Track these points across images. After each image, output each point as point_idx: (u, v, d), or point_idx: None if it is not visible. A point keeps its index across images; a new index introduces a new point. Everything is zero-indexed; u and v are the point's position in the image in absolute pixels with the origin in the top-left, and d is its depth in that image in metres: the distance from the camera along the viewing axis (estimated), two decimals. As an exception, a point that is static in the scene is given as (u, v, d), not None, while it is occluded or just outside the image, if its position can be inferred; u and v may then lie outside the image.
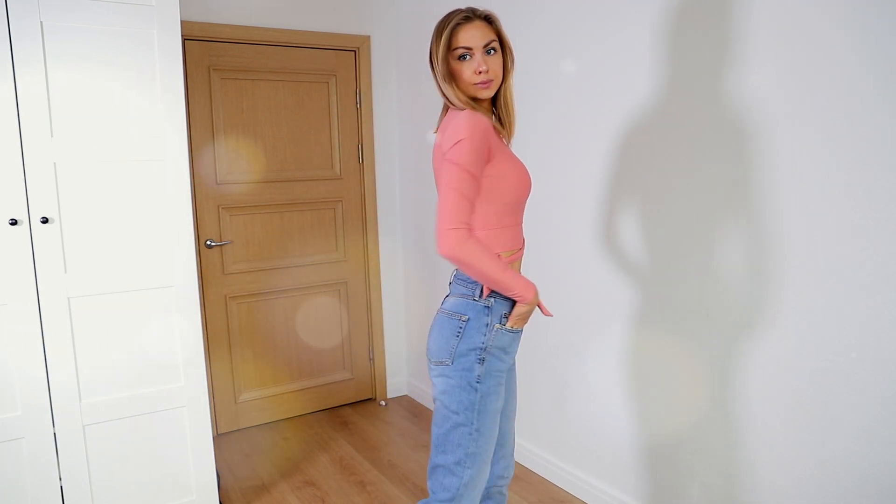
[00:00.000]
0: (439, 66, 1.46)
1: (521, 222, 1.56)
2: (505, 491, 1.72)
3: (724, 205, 1.85)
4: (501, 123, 1.55)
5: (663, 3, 1.96)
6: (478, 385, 1.46)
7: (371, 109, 3.41)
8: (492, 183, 1.45)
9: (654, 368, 2.14)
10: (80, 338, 2.07)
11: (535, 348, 2.63)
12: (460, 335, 1.47)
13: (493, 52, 1.46)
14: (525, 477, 2.69)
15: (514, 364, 1.65)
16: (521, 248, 1.57)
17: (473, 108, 1.45)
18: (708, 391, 1.97)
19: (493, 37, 1.46)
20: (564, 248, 2.43)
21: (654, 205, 2.07)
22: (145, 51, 2.07)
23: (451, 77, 1.47)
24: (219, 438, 3.15)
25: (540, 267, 2.55)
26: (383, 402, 3.57)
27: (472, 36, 1.44)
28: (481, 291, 1.48)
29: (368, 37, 3.35)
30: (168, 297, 2.18)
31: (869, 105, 1.50)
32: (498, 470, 1.67)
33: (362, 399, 3.60)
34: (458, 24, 1.45)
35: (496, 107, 1.55)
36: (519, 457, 2.80)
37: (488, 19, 1.47)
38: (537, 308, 1.57)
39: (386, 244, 3.54)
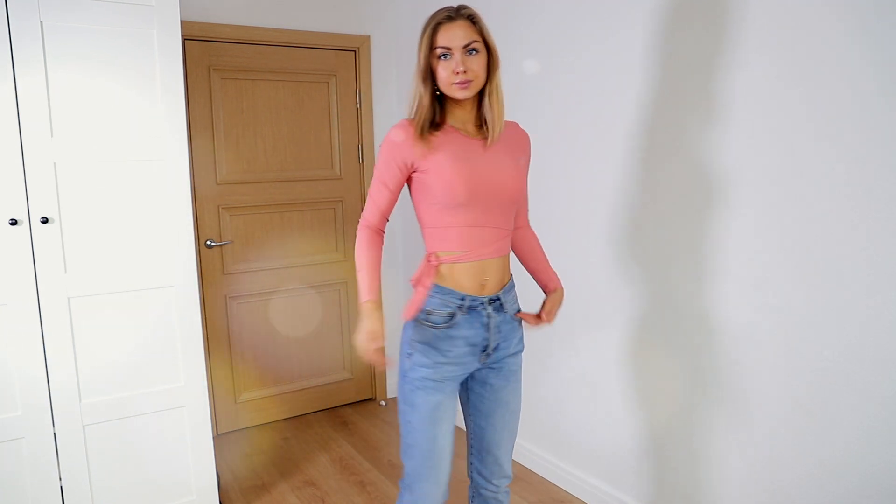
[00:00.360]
0: (420, 63, 1.47)
1: (478, 225, 1.50)
2: (502, 498, 1.69)
3: (724, 204, 1.85)
4: (485, 124, 1.52)
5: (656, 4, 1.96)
6: (406, 377, 1.53)
7: (371, 109, 3.41)
8: (419, 185, 1.51)
9: (654, 368, 2.14)
10: (80, 338, 2.07)
11: (536, 349, 2.63)
12: (405, 328, 1.57)
13: (474, 52, 1.45)
14: (525, 477, 2.69)
15: (505, 374, 1.60)
16: (471, 252, 1.50)
17: (410, 121, 1.49)
18: (708, 392, 1.97)
19: (476, 37, 1.45)
20: (564, 248, 2.42)
21: (655, 204, 2.07)
22: (145, 51, 2.07)
23: (431, 75, 1.47)
24: (219, 438, 3.15)
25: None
26: (383, 402, 3.57)
27: (453, 35, 1.43)
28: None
29: (368, 37, 3.35)
30: (168, 297, 2.18)
31: (869, 101, 1.50)
32: (485, 473, 1.66)
33: (362, 399, 3.60)
34: (439, 24, 1.45)
35: (481, 107, 1.52)
36: (519, 457, 2.80)
37: (472, 19, 1.46)
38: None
39: (386, 244, 3.53)
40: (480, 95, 1.51)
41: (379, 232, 1.57)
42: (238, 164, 3.10)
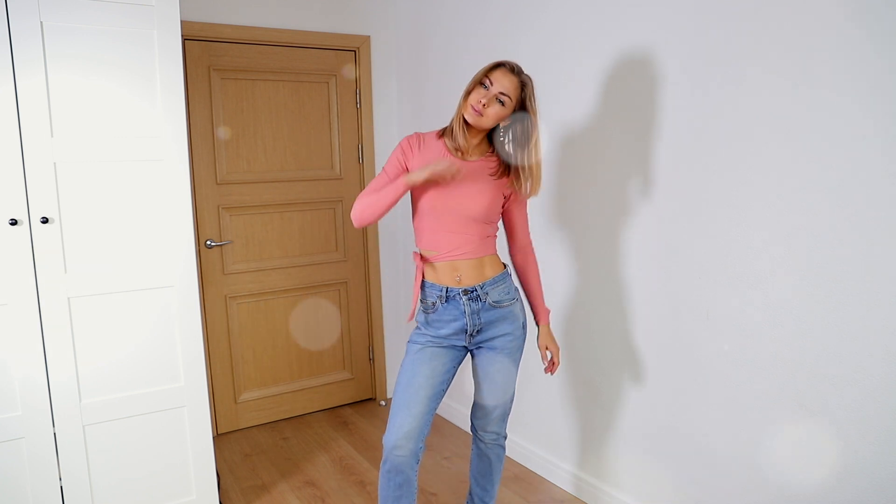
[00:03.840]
0: (468, 87, 1.75)
1: (445, 231, 1.80)
2: (493, 450, 2.01)
3: (724, 205, 1.86)
4: (517, 176, 1.80)
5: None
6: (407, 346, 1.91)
7: (371, 109, 3.41)
8: (411, 193, 1.85)
9: (654, 368, 2.14)
10: (80, 338, 2.07)
11: (536, 351, 2.63)
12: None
13: (502, 103, 1.71)
14: (525, 477, 2.69)
15: (491, 350, 1.88)
16: (441, 253, 1.81)
17: (441, 134, 1.86)
18: (708, 392, 1.97)
19: (513, 95, 1.71)
20: (563, 245, 2.42)
21: (655, 203, 2.07)
22: (145, 51, 2.07)
23: (467, 93, 1.74)
24: (219, 438, 3.15)
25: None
26: (383, 402, 3.57)
27: (499, 79, 1.70)
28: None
29: (368, 37, 3.35)
30: (168, 297, 2.18)
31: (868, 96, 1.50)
32: (479, 424, 1.99)
33: (362, 399, 3.60)
34: (498, 66, 1.72)
35: (493, 145, 1.84)
36: (519, 457, 2.80)
37: (522, 83, 1.72)
38: None
39: (386, 244, 3.54)
40: (489, 136, 1.83)
41: None
42: (238, 164, 3.10)
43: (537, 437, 2.71)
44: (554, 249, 2.49)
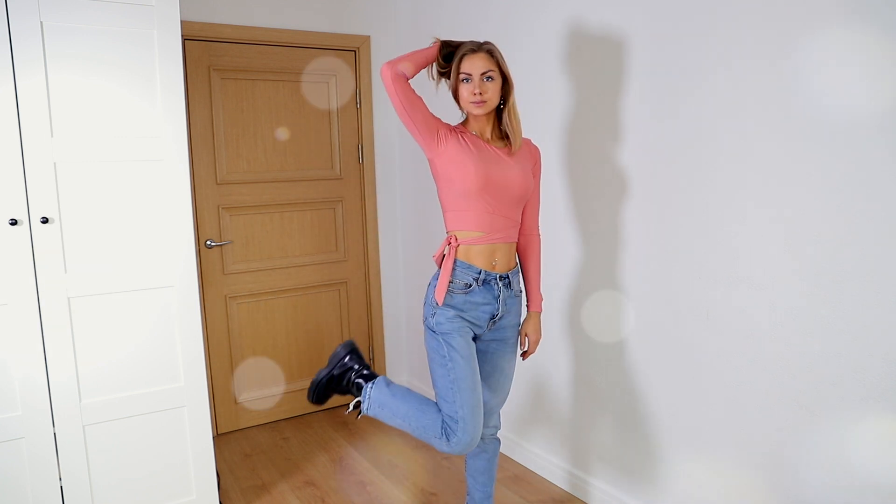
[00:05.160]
0: (452, 85, 1.82)
1: (490, 213, 1.80)
2: (491, 442, 2.05)
3: (724, 205, 1.86)
4: (506, 136, 1.87)
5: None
6: (435, 332, 1.84)
7: (371, 109, 3.41)
8: (443, 174, 1.82)
9: (654, 368, 2.14)
10: (80, 338, 2.07)
11: (536, 352, 2.63)
12: (427, 298, 1.89)
13: (490, 79, 1.77)
14: (525, 477, 2.69)
15: (504, 342, 1.94)
16: (485, 235, 1.81)
17: (465, 119, 1.89)
18: (708, 392, 1.97)
19: (493, 67, 1.77)
20: (560, 245, 2.42)
21: (656, 204, 2.07)
22: (145, 51, 2.07)
23: (457, 94, 1.81)
24: (219, 438, 3.15)
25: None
26: (383, 402, 3.57)
27: (473, 65, 1.77)
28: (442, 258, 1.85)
29: (368, 37, 3.35)
30: (168, 297, 2.18)
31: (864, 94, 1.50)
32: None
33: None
34: (464, 55, 1.78)
35: (499, 123, 1.87)
36: (519, 457, 2.80)
37: (490, 53, 1.78)
38: None
39: (386, 244, 3.54)
40: (499, 114, 1.86)
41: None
42: (238, 164, 3.10)
43: (537, 437, 2.71)
44: (554, 249, 2.49)
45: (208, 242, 3.05)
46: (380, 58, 3.39)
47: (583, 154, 2.33)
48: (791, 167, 1.67)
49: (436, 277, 1.86)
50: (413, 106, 1.77)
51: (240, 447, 3.05)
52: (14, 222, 1.93)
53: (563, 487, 2.58)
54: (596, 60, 2.23)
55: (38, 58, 1.93)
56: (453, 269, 1.82)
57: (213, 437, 3.13)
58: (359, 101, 3.37)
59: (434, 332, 1.84)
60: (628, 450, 2.27)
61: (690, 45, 1.89)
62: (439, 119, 1.85)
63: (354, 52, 3.33)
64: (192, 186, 2.96)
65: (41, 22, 1.92)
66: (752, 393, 1.83)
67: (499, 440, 2.07)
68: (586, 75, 2.27)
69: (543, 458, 2.67)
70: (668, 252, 2.04)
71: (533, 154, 1.96)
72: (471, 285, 1.82)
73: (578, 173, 2.36)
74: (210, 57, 2.97)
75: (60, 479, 2.07)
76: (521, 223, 1.97)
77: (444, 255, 1.84)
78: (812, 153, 1.62)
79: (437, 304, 1.82)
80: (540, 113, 2.48)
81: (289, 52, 3.15)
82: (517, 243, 1.98)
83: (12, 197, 1.93)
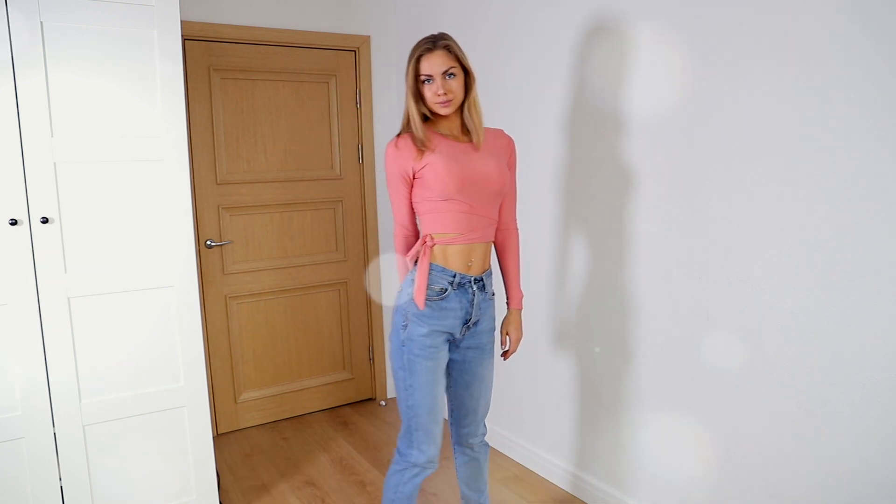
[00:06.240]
0: (410, 87, 1.73)
1: (467, 212, 1.74)
2: (481, 449, 1.98)
3: (724, 205, 1.85)
4: (469, 130, 1.79)
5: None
6: (404, 346, 1.76)
7: (371, 109, 3.41)
8: (419, 183, 1.76)
9: (654, 368, 2.14)
10: (80, 338, 2.07)
11: (536, 352, 2.63)
12: (397, 304, 1.81)
13: (452, 76, 1.71)
14: (525, 477, 2.69)
15: (481, 349, 1.86)
16: (462, 235, 1.75)
17: (406, 131, 1.77)
18: (708, 392, 1.97)
19: (453, 63, 1.70)
20: (560, 245, 2.42)
21: (657, 204, 2.07)
22: (145, 51, 2.07)
23: (419, 96, 1.73)
24: (219, 438, 3.15)
25: (527, 262, 2.55)
26: (383, 402, 3.57)
27: (432, 64, 1.69)
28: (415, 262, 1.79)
29: (368, 37, 3.35)
30: (168, 297, 2.18)
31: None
32: (468, 431, 1.94)
33: (362, 399, 3.60)
34: (421, 55, 1.70)
35: (464, 117, 1.79)
36: (519, 456, 2.80)
37: (448, 48, 1.70)
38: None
39: (386, 244, 3.54)
40: (462, 108, 1.77)
41: (412, 232, 1.86)
42: (238, 164, 3.10)
43: (537, 437, 2.71)
44: (553, 249, 2.49)
45: (208, 242, 3.05)
46: (380, 58, 3.39)
47: (583, 154, 2.33)
48: (791, 167, 1.67)
49: (409, 283, 1.78)
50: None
51: (240, 447, 3.05)
52: (14, 222, 1.93)
53: (563, 487, 2.58)
54: (596, 60, 2.23)
55: (38, 58, 1.93)
56: (429, 272, 1.75)
57: (213, 437, 3.13)
58: (359, 101, 3.37)
59: (402, 346, 1.75)
60: (628, 450, 2.27)
61: (691, 45, 1.89)
62: (405, 174, 1.75)
63: (354, 52, 3.33)
64: (192, 186, 2.96)
65: (41, 22, 1.92)
66: (753, 393, 1.83)
67: (487, 445, 2.00)
68: (587, 75, 2.27)
69: (543, 458, 2.67)
70: (668, 252, 2.04)
71: (508, 146, 1.89)
72: (446, 290, 1.74)
73: (578, 173, 2.36)
74: (210, 57, 2.97)
75: (60, 479, 2.07)
76: (499, 218, 1.90)
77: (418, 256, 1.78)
78: (812, 153, 1.62)
79: (415, 307, 1.73)
80: (540, 113, 2.48)
81: (289, 52, 3.15)
82: (495, 239, 1.93)
83: (12, 197, 1.93)
